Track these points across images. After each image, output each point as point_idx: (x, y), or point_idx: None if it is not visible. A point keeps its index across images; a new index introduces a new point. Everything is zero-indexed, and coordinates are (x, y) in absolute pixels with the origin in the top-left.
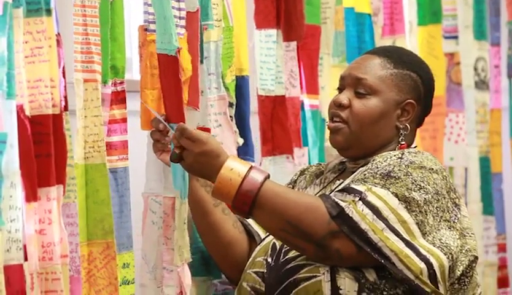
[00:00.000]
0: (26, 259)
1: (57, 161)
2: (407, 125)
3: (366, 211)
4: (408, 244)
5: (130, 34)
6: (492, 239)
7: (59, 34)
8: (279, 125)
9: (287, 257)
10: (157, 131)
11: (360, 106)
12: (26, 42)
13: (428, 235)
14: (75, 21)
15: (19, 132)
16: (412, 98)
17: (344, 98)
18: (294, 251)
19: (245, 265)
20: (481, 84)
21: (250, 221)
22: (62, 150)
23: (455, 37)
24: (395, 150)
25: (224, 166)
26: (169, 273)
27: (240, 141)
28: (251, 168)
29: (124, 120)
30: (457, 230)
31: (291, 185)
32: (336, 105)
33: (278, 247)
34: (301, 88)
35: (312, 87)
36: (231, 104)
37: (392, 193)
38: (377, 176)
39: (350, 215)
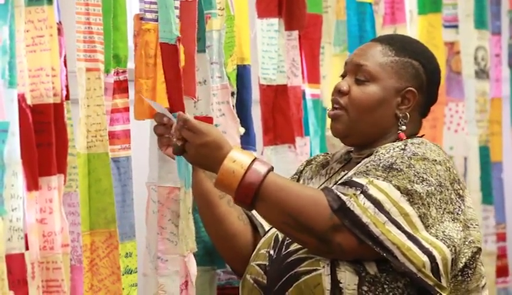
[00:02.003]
0: (27, 248)
1: (58, 151)
2: (407, 113)
3: (368, 204)
4: (410, 237)
5: (132, 23)
6: (491, 228)
7: (60, 22)
8: (280, 114)
9: (288, 249)
10: (161, 125)
11: (358, 92)
12: (27, 31)
13: (431, 228)
14: (77, 10)
15: (21, 121)
16: (413, 86)
17: (344, 84)
18: (296, 244)
19: (250, 258)
20: (481, 73)
21: (254, 213)
22: (63, 139)
23: (456, 26)
24: (394, 137)
25: (227, 157)
26: (164, 263)
27: (242, 130)
28: (254, 159)
29: (126, 109)
30: (461, 221)
31: (296, 176)
32: (336, 91)
33: (280, 239)
34: (303, 77)
35: (313, 76)
36: (232, 93)
37: (394, 185)
38: (380, 168)
39: (352, 208)
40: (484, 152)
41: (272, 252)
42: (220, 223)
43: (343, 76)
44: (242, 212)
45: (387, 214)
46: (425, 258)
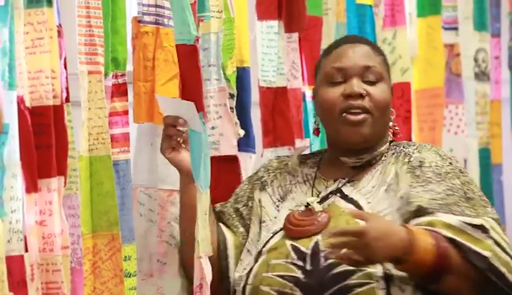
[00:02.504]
0: (26, 250)
1: (58, 153)
2: (392, 109)
3: (505, 257)
4: None
5: (130, 26)
6: None
7: (60, 25)
8: (280, 117)
9: (329, 262)
10: (172, 126)
11: (378, 92)
12: (27, 33)
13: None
14: (79, 13)
15: (20, 123)
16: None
17: (359, 87)
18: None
19: (216, 268)
20: (482, 75)
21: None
22: (63, 142)
23: (455, 29)
24: (386, 137)
25: (414, 236)
26: (162, 266)
27: (242, 132)
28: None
29: (125, 113)
30: None
31: (258, 181)
32: (353, 96)
33: (307, 250)
34: (303, 79)
35: (313, 78)
36: (232, 96)
37: (496, 221)
38: (477, 200)
39: (495, 264)
40: (485, 154)
41: (301, 263)
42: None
43: (337, 83)
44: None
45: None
46: None
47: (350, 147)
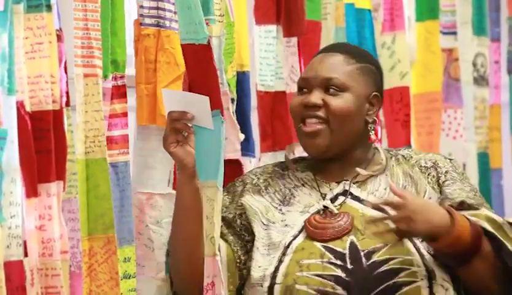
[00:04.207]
0: (26, 255)
1: (57, 157)
2: (375, 118)
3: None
4: None
5: (131, 29)
6: None
7: (60, 29)
8: (279, 121)
9: (372, 260)
10: (178, 120)
11: (338, 102)
12: (27, 38)
13: None
14: (75, 16)
15: (20, 128)
16: (376, 91)
17: (317, 98)
18: (380, 255)
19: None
20: (481, 80)
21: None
22: (62, 146)
23: (454, 33)
24: (364, 144)
25: (453, 214)
26: (141, 268)
27: (242, 136)
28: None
29: (125, 114)
30: None
31: (247, 186)
32: (308, 106)
33: (344, 250)
34: None
35: None
36: (232, 100)
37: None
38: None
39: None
40: (484, 159)
41: (339, 262)
42: (198, 242)
43: (302, 91)
44: None
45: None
46: None
47: (314, 157)
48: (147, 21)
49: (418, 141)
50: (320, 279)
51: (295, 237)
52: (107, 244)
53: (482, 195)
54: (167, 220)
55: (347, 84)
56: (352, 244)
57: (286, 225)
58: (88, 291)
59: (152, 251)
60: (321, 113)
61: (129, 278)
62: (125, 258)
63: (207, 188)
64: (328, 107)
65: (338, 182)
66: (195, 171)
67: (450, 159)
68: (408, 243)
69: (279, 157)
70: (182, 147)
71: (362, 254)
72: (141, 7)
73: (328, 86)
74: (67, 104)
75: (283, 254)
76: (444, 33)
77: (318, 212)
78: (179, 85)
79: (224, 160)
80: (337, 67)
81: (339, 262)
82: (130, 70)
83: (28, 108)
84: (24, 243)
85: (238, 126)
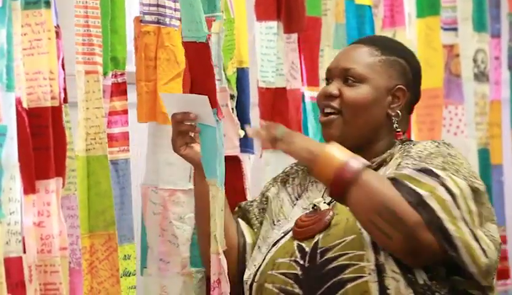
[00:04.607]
0: (24, 251)
1: (56, 154)
2: (399, 111)
3: (446, 196)
4: (475, 237)
5: (131, 26)
6: None
7: (58, 26)
8: (279, 117)
9: (325, 257)
10: (183, 122)
11: (352, 93)
12: (25, 34)
13: (483, 227)
14: (76, 13)
15: (18, 124)
16: (402, 84)
17: (333, 88)
18: (334, 252)
19: (233, 269)
20: (481, 76)
21: (240, 221)
22: (61, 143)
23: (455, 29)
24: (389, 138)
25: (331, 144)
26: (165, 265)
27: (241, 133)
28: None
29: (125, 112)
30: (494, 221)
31: (281, 176)
32: (325, 96)
33: (309, 249)
34: (302, 80)
35: (313, 79)
36: (232, 96)
37: (467, 182)
38: (443, 164)
39: (429, 202)
40: (484, 155)
41: (301, 261)
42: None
43: (328, 82)
44: (236, 226)
45: (459, 209)
46: (485, 260)
47: None
48: (147, 18)
49: (419, 137)
50: (283, 277)
51: (286, 234)
52: (108, 241)
53: None
54: (190, 216)
55: (365, 75)
56: (316, 242)
57: (290, 220)
58: (89, 288)
59: (177, 247)
60: (335, 103)
61: (129, 275)
62: (125, 255)
63: (211, 186)
64: (342, 98)
65: None
66: None
67: (436, 142)
68: (367, 238)
69: (279, 154)
70: (191, 148)
71: (319, 251)
72: (141, 4)
73: (346, 76)
74: (65, 100)
75: (268, 252)
76: (445, 29)
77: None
78: (179, 82)
79: (224, 157)
80: (359, 58)
81: (301, 261)
82: (130, 67)
83: (26, 104)
84: (23, 239)
85: (238, 123)
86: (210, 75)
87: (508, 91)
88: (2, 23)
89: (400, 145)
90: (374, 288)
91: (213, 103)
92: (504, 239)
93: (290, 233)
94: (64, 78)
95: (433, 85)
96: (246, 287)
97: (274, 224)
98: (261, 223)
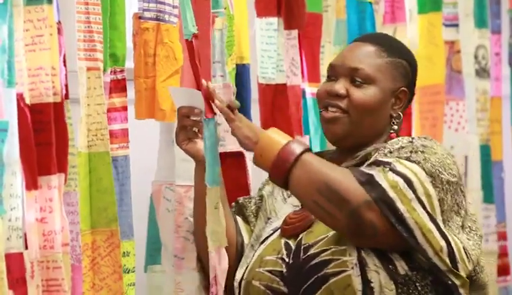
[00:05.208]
0: (26, 247)
1: (58, 150)
2: (400, 113)
3: (397, 178)
4: (432, 219)
5: (131, 22)
6: (492, 227)
7: (59, 22)
8: (280, 114)
9: (308, 253)
10: (187, 117)
11: (360, 94)
12: (27, 30)
13: (444, 215)
14: (78, 9)
15: (19, 120)
16: (404, 86)
17: (340, 87)
18: (316, 248)
19: (232, 268)
20: (482, 72)
21: (238, 220)
22: (63, 139)
23: (456, 25)
24: (385, 138)
25: (271, 129)
26: (180, 261)
27: None
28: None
29: (124, 108)
30: (462, 217)
31: (259, 199)
32: (331, 95)
33: (294, 246)
34: (302, 76)
35: (313, 75)
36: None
37: (420, 166)
38: (402, 153)
39: (380, 182)
40: (485, 151)
41: (287, 259)
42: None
43: (330, 78)
44: (234, 224)
45: (414, 191)
46: (442, 243)
47: (332, 144)
48: (147, 14)
49: (421, 133)
50: (270, 275)
51: (275, 231)
52: (110, 238)
53: (484, 188)
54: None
55: (373, 77)
56: (300, 239)
57: (279, 218)
58: (91, 285)
59: (191, 243)
60: (342, 104)
61: (128, 272)
62: (124, 252)
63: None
64: (350, 99)
65: None
66: None
67: (414, 137)
68: None
69: None
70: (194, 143)
71: (302, 248)
72: (140, 0)
73: (354, 76)
74: (66, 97)
75: (257, 249)
76: (447, 25)
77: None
78: (177, 79)
79: (227, 153)
80: (366, 58)
81: (286, 258)
82: (129, 64)
83: (28, 100)
84: (25, 235)
85: None
86: (196, 74)
87: (509, 88)
88: (3, 19)
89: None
90: (357, 282)
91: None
92: (504, 236)
93: (279, 231)
94: (66, 75)
95: (435, 81)
96: (236, 285)
97: (265, 222)
98: (257, 220)
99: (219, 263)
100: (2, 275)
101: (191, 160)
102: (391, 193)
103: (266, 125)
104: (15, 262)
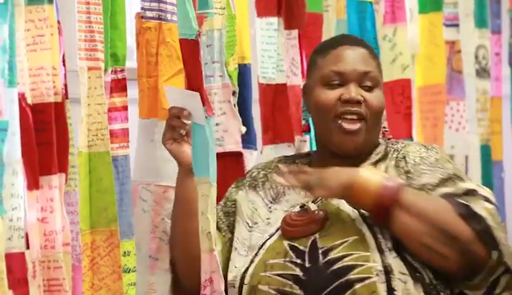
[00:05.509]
0: (28, 247)
1: (59, 150)
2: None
3: (489, 205)
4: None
5: (132, 22)
6: None
7: (58, 21)
8: (280, 113)
9: (328, 257)
10: (176, 117)
11: (374, 99)
12: (28, 30)
13: None
14: (78, 9)
15: (21, 120)
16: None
17: (357, 93)
18: (337, 252)
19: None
20: (482, 72)
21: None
22: (64, 139)
23: (456, 25)
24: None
25: (361, 170)
26: (154, 262)
27: (243, 129)
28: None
29: (125, 108)
30: None
31: (249, 181)
32: (351, 102)
33: (304, 248)
34: (303, 76)
35: None
36: (233, 93)
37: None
38: (448, 167)
39: (479, 213)
40: (485, 151)
41: (298, 260)
42: (195, 237)
43: (335, 85)
44: None
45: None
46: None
47: (341, 153)
48: (149, 14)
49: (423, 133)
50: (281, 278)
51: (271, 236)
52: (109, 238)
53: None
54: None
55: (378, 79)
56: (313, 242)
57: (268, 223)
58: (90, 285)
59: (166, 244)
60: (362, 109)
61: (128, 272)
62: (125, 252)
63: (202, 185)
64: (367, 104)
65: None
66: (191, 168)
67: (430, 147)
68: (370, 240)
69: (280, 149)
70: (178, 144)
71: (320, 251)
72: (143, 0)
73: (364, 80)
74: (66, 96)
75: (256, 254)
76: (447, 25)
77: (297, 209)
78: (180, 78)
79: (226, 153)
80: (368, 61)
81: (299, 261)
82: (131, 63)
83: (29, 100)
84: (26, 235)
85: (240, 119)
86: (199, 72)
87: (509, 88)
88: (4, 19)
89: (385, 145)
90: (382, 289)
91: (203, 100)
92: None
93: (277, 234)
94: (65, 75)
95: (436, 81)
96: (233, 290)
97: (250, 226)
98: (228, 226)
99: (211, 265)
100: (2, 275)
101: (172, 160)
102: (491, 222)
103: (266, 125)
104: (16, 262)
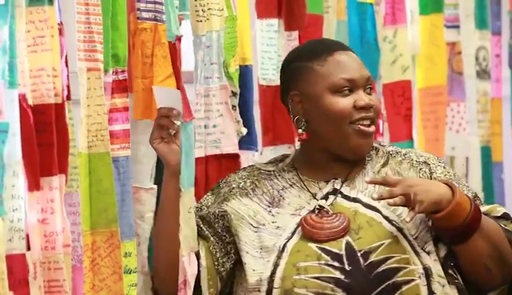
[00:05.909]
0: (28, 248)
1: (59, 151)
2: None
3: None
4: None
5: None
6: None
7: (61, 23)
8: (280, 115)
9: (370, 260)
10: (166, 117)
11: (377, 102)
12: (29, 31)
13: None
14: (78, 10)
15: (22, 121)
16: None
17: (370, 99)
18: (377, 254)
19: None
20: (482, 73)
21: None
22: (64, 140)
23: (457, 27)
24: None
25: (456, 191)
26: None
27: (244, 130)
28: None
29: (126, 109)
30: None
31: (235, 190)
32: (366, 108)
33: (339, 251)
34: None
35: None
36: (234, 94)
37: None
38: (463, 182)
39: None
40: (486, 152)
41: (337, 264)
42: (177, 241)
43: (346, 92)
44: None
45: None
46: None
47: (354, 157)
48: (144, 15)
49: (424, 134)
50: (319, 281)
51: (289, 239)
52: (110, 239)
53: (485, 189)
54: (150, 215)
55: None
56: (348, 244)
57: (277, 227)
58: (91, 286)
59: (138, 245)
60: (373, 114)
61: (129, 272)
62: (126, 253)
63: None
64: (374, 108)
65: (327, 182)
66: (179, 169)
67: (441, 163)
68: (403, 242)
69: (280, 150)
70: (166, 143)
71: (359, 254)
72: (138, 1)
73: (368, 84)
74: (68, 97)
75: (279, 257)
76: (448, 27)
77: (313, 211)
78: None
79: (223, 155)
80: (363, 65)
81: (336, 264)
82: None
83: (30, 101)
84: (27, 236)
85: (241, 120)
86: (178, 77)
87: (509, 89)
88: (4, 20)
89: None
90: (424, 291)
91: (183, 104)
92: None
93: (296, 237)
94: (67, 76)
95: (437, 83)
96: (260, 294)
97: (255, 227)
98: (213, 231)
99: (189, 267)
100: (3, 276)
101: (142, 161)
102: None
103: (266, 126)
104: (17, 263)
